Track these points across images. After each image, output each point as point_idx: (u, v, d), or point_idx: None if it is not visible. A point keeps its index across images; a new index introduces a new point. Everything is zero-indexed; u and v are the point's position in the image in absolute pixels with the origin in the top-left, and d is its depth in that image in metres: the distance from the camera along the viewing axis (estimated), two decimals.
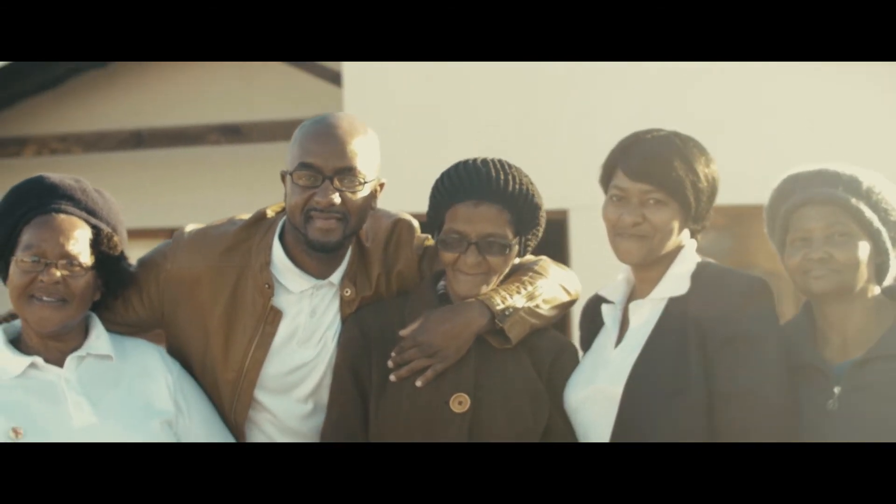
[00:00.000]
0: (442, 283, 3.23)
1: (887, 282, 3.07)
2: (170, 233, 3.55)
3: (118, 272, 3.23)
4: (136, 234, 6.55)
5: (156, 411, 3.14)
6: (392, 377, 3.10)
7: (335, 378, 3.21)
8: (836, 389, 2.96)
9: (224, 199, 7.76)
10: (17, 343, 3.16)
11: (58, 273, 3.07)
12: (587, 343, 3.23)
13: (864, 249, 3.00)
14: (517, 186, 3.11)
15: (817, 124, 7.59)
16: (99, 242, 3.16)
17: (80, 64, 9.07)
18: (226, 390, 3.26)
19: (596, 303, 3.25)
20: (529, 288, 3.19)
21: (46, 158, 9.14)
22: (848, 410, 2.92)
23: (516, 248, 3.14)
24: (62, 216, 3.13)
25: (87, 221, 3.16)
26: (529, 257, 3.30)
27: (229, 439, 3.26)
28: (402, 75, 7.88)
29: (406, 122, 7.94)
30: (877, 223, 3.00)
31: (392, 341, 3.14)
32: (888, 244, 3.02)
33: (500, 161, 3.18)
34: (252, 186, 8.21)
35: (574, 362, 3.19)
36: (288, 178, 3.19)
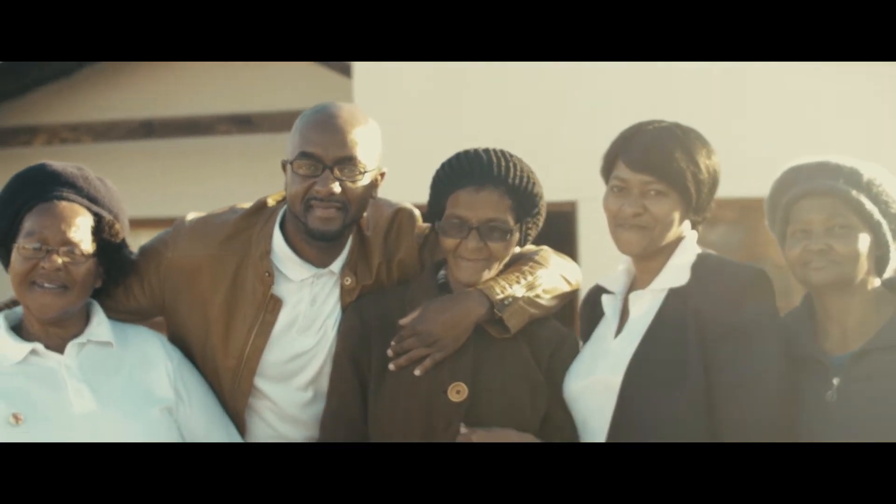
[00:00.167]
0: (442, 272, 3.24)
1: (887, 274, 3.06)
2: None
3: (119, 260, 3.24)
4: (146, 224, 6.59)
5: (156, 398, 3.15)
6: (391, 366, 3.11)
7: (335, 366, 3.22)
8: (836, 381, 2.96)
9: (234, 189, 7.76)
10: (18, 330, 3.17)
11: (59, 260, 3.08)
12: (587, 333, 3.23)
13: (864, 241, 2.99)
14: (518, 173, 3.12)
15: (828, 117, 7.57)
16: (100, 230, 3.17)
17: None
18: (226, 378, 3.27)
19: (596, 293, 3.25)
20: (529, 278, 3.18)
21: (57, 148, 9.17)
22: (847, 402, 2.92)
23: (517, 234, 3.14)
24: (64, 203, 3.14)
25: (88, 209, 3.17)
26: (530, 247, 3.30)
27: (229, 427, 3.27)
28: (412, 66, 7.88)
29: (416, 112, 7.94)
30: (877, 215, 2.99)
31: (392, 330, 3.15)
32: (888, 236, 3.01)
33: (501, 150, 3.19)
34: (262, 176, 8.19)
35: (574, 352, 3.19)
36: (288, 167, 3.20)
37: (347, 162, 3.14)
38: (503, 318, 3.10)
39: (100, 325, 3.19)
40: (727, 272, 3.01)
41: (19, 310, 3.21)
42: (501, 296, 3.11)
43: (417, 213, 3.39)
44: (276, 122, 8.79)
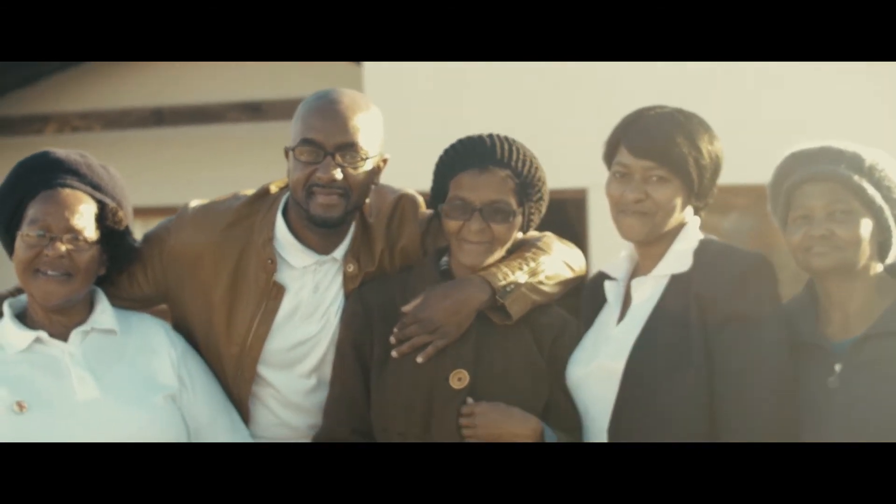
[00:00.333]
0: (445, 259, 3.23)
1: (889, 259, 3.05)
2: None
3: (123, 247, 3.24)
4: (156, 212, 6.60)
5: (159, 386, 3.16)
6: (394, 353, 3.11)
7: (338, 354, 3.22)
8: (838, 367, 2.95)
9: (244, 177, 7.74)
10: (22, 318, 3.18)
11: (63, 247, 3.09)
12: (590, 320, 3.22)
13: (866, 227, 2.98)
14: (521, 157, 3.13)
15: (841, 103, 7.55)
16: (104, 217, 3.17)
17: None
18: (229, 365, 3.27)
19: (599, 279, 3.24)
20: (532, 264, 3.18)
21: (68, 136, 9.18)
22: (849, 388, 2.91)
23: (520, 217, 3.13)
24: (67, 191, 3.15)
25: (91, 196, 3.17)
26: (533, 233, 3.29)
27: (233, 414, 3.28)
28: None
29: (426, 100, 7.93)
30: (879, 200, 2.98)
31: (394, 317, 3.15)
32: (890, 221, 3.00)
33: (504, 135, 3.19)
34: (272, 164, 8.17)
35: (576, 339, 3.18)
36: (290, 153, 3.20)
37: (349, 148, 3.14)
38: (505, 304, 3.10)
39: (103, 312, 3.20)
40: (729, 258, 3.00)
41: (24, 298, 3.22)
42: (503, 282, 3.11)
43: (420, 199, 3.39)
44: (285, 109, 8.76)
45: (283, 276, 3.25)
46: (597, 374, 3.04)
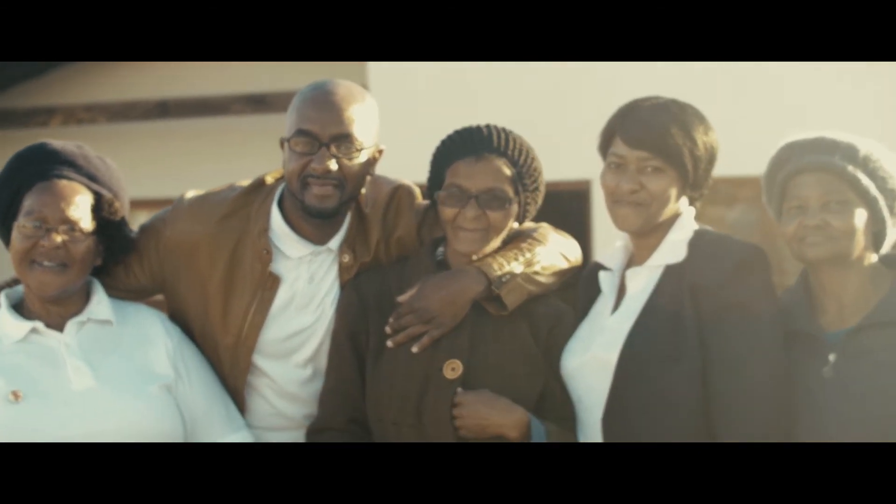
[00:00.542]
0: (441, 249, 3.24)
1: (884, 249, 3.05)
2: None
3: (119, 238, 3.25)
4: (160, 204, 6.61)
5: (155, 376, 3.16)
6: (389, 343, 3.11)
7: (333, 344, 3.23)
8: (832, 357, 2.94)
9: (249, 169, 7.73)
10: (19, 308, 3.19)
11: (58, 238, 3.09)
12: (585, 310, 3.22)
13: (860, 217, 2.97)
14: (517, 146, 3.14)
15: (849, 94, 7.54)
16: (100, 208, 3.18)
17: None
18: (225, 355, 3.28)
19: (594, 270, 3.24)
20: (528, 255, 3.18)
21: (73, 128, 9.21)
22: (843, 378, 2.91)
23: (516, 206, 3.13)
24: (63, 182, 3.15)
25: (88, 187, 3.18)
26: (529, 224, 3.29)
27: (229, 404, 3.28)
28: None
29: (431, 93, 7.94)
30: (873, 191, 2.97)
31: (390, 307, 3.15)
32: (885, 212, 2.99)
33: (500, 126, 3.19)
34: (277, 156, 8.18)
35: (572, 328, 3.18)
36: (286, 144, 3.20)
37: (344, 139, 3.14)
38: (501, 295, 3.10)
39: (100, 303, 3.20)
40: (724, 248, 2.99)
41: (20, 288, 3.23)
42: (499, 273, 3.11)
43: (417, 190, 3.39)
44: (289, 101, 8.75)
45: (279, 266, 3.25)
46: (591, 365, 3.04)
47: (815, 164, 2.99)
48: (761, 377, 2.88)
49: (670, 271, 3.02)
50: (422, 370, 3.06)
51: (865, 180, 2.97)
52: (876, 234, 3.02)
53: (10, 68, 9.35)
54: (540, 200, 3.24)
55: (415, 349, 3.08)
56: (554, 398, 3.12)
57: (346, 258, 3.26)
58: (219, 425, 3.23)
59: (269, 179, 3.35)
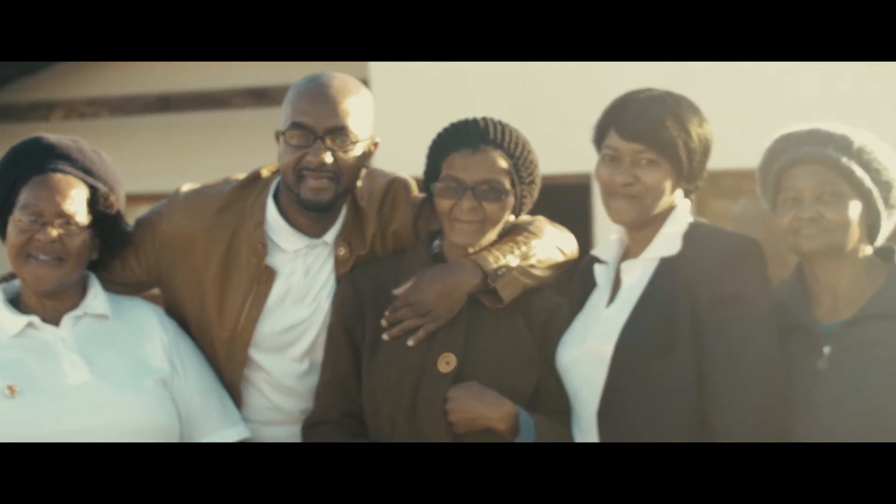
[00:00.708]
0: (437, 242, 3.23)
1: (878, 242, 3.04)
2: None
3: (115, 231, 3.25)
4: (161, 198, 6.61)
5: (151, 370, 3.16)
6: (385, 336, 3.11)
7: (329, 338, 3.23)
8: (826, 350, 2.94)
9: (251, 162, 7.72)
10: (16, 303, 3.19)
11: (54, 232, 3.10)
12: (581, 303, 3.22)
13: (854, 209, 2.97)
14: (513, 138, 3.14)
15: (851, 90, 7.53)
16: (96, 202, 3.18)
17: None
18: (221, 349, 3.28)
19: (590, 263, 3.23)
20: (523, 248, 3.18)
21: (75, 122, 9.22)
22: (838, 370, 2.90)
23: (512, 198, 3.13)
24: (59, 175, 3.15)
25: (83, 181, 3.18)
26: (525, 217, 3.29)
27: (224, 399, 3.28)
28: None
29: (432, 88, 7.93)
30: (868, 183, 2.97)
31: (386, 300, 3.15)
32: (879, 204, 2.99)
33: (497, 119, 3.19)
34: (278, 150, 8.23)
35: (568, 321, 3.17)
36: (281, 137, 3.20)
37: (339, 132, 3.14)
38: (497, 288, 3.09)
39: (96, 297, 3.21)
40: (719, 241, 2.99)
41: (17, 283, 3.23)
42: (495, 266, 3.11)
43: (413, 183, 3.39)
44: None
45: (274, 259, 3.25)
46: (586, 358, 3.04)
47: (809, 155, 2.99)
48: (756, 369, 2.88)
49: (665, 264, 3.01)
50: (417, 363, 3.06)
51: (860, 172, 2.96)
52: (870, 226, 3.01)
53: (10, 63, 9.35)
54: (536, 193, 3.23)
55: (410, 342, 3.08)
56: (549, 391, 3.11)
57: (342, 251, 3.26)
58: (214, 420, 3.23)
59: (265, 173, 3.35)
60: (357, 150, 3.18)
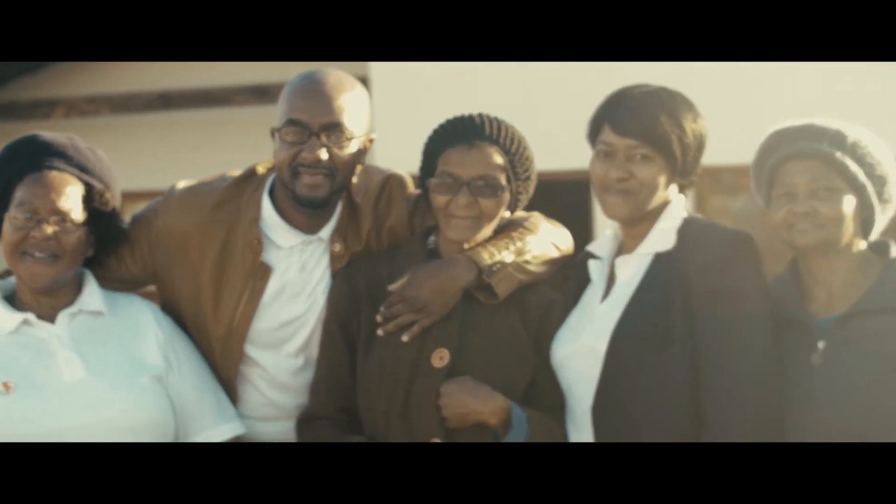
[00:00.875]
0: (432, 238, 3.24)
1: (873, 236, 3.04)
2: None
3: (110, 228, 3.26)
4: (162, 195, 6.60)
5: (146, 367, 3.16)
6: (380, 332, 3.12)
7: (324, 333, 3.23)
8: (821, 344, 2.94)
9: (251, 160, 7.74)
10: (11, 300, 3.20)
11: (49, 229, 3.10)
12: (576, 299, 3.22)
13: (849, 204, 2.96)
14: (509, 135, 3.14)
15: (851, 88, 7.52)
16: (91, 199, 3.19)
17: None
18: (217, 345, 3.28)
19: (584, 259, 3.24)
20: (518, 244, 3.18)
21: (76, 120, 9.22)
22: (832, 365, 2.90)
23: (507, 194, 3.13)
24: (54, 173, 3.16)
25: (78, 178, 3.18)
26: (520, 213, 3.29)
27: (220, 395, 3.28)
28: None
29: (432, 88, 7.93)
30: (862, 177, 2.96)
31: (381, 296, 3.15)
32: (873, 198, 2.99)
33: (493, 115, 3.20)
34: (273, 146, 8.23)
35: (563, 316, 3.18)
36: (276, 134, 3.21)
37: (334, 128, 3.15)
38: (491, 284, 3.10)
39: (91, 294, 3.21)
40: (713, 236, 2.99)
41: (12, 280, 3.24)
42: (490, 262, 3.11)
43: (408, 179, 3.39)
44: None
45: (270, 256, 3.26)
46: (581, 353, 3.04)
47: (803, 151, 2.99)
48: (751, 363, 2.88)
49: (660, 259, 3.02)
50: (411, 359, 3.07)
51: (854, 167, 2.96)
52: (864, 221, 3.01)
53: (11, 61, 9.35)
54: (531, 189, 3.24)
55: (405, 338, 3.08)
56: (544, 387, 3.12)
57: (338, 247, 3.26)
58: (210, 416, 3.23)
59: (261, 169, 3.36)
60: (352, 147, 3.19)
